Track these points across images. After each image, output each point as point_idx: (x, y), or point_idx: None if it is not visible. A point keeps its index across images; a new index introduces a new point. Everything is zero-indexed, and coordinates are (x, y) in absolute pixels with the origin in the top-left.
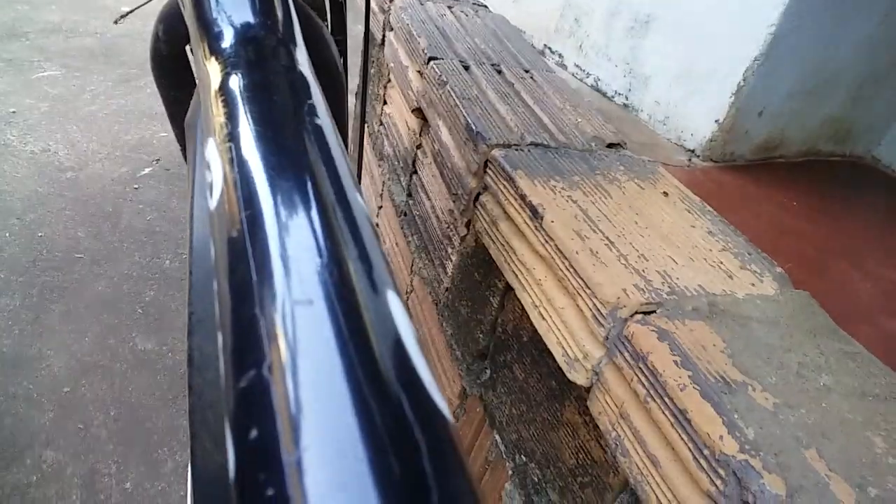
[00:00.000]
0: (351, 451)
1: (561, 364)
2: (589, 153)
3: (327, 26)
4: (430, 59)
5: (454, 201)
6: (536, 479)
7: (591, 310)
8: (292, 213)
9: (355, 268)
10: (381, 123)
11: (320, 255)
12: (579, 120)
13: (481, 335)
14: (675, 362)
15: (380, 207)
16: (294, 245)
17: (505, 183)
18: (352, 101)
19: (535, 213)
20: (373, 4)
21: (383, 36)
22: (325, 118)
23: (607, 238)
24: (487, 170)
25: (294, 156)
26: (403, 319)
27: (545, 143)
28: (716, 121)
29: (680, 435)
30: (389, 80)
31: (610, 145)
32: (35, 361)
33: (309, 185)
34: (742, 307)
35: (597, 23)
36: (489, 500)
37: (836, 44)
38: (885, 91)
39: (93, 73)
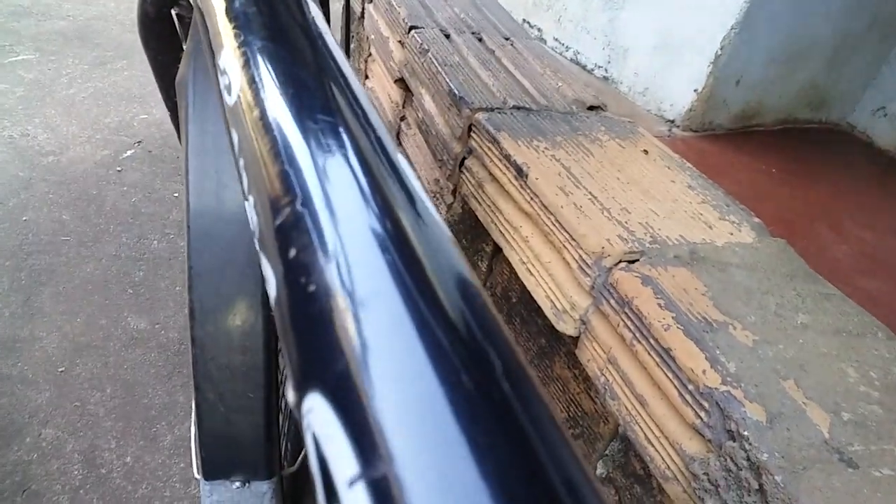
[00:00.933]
0: (421, 376)
1: (549, 316)
2: (570, 115)
3: None
4: (411, 28)
5: (440, 168)
6: None
7: (576, 261)
8: (311, 119)
9: (389, 182)
10: None
11: (350, 167)
12: (560, 84)
13: None
14: (659, 304)
15: None
16: (316, 151)
17: (489, 145)
18: None
19: (520, 172)
20: None
21: (363, 9)
22: (325, 29)
23: (591, 193)
24: (472, 133)
25: (305, 62)
26: (443, 229)
27: (527, 106)
28: (694, 90)
29: (665, 373)
30: (370, 55)
31: (591, 108)
32: (28, 343)
33: (325, 90)
34: (721, 254)
35: None
36: None
37: (812, 10)
38: (859, 58)
39: (68, 56)
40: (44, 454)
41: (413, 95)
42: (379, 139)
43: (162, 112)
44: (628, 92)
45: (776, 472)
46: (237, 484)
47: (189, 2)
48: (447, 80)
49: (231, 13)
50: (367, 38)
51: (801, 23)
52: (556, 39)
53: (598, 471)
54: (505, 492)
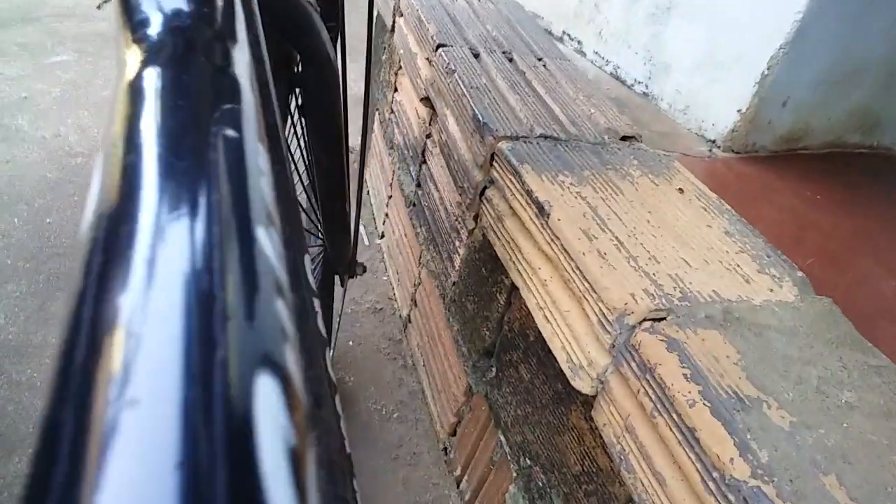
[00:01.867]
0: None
1: (565, 370)
2: (601, 146)
3: (318, 12)
4: (439, 46)
5: (461, 194)
6: (541, 484)
7: (597, 315)
8: (165, 240)
9: (231, 328)
10: (392, 111)
11: (186, 301)
12: (592, 111)
13: (487, 332)
14: (685, 375)
15: (389, 197)
16: (158, 280)
17: (511, 177)
18: (361, 88)
19: (542, 210)
20: None
21: (394, 22)
22: (248, 130)
23: (617, 238)
24: (494, 163)
25: (183, 176)
26: (275, 419)
27: (555, 135)
28: (738, 110)
29: (688, 454)
30: (400, 67)
31: (624, 138)
32: (40, 349)
33: (195, 212)
34: (759, 315)
35: (617, 9)
36: (493, 501)
37: (864, 32)
38: None
39: (105, 58)
40: None
41: (438, 115)
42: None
43: None
44: (669, 109)
45: None
46: None
47: None
48: (472, 103)
49: (133, 92)
50: (398, 50)
51: (852, 44)
52: (597, 53)
53: None
54: None
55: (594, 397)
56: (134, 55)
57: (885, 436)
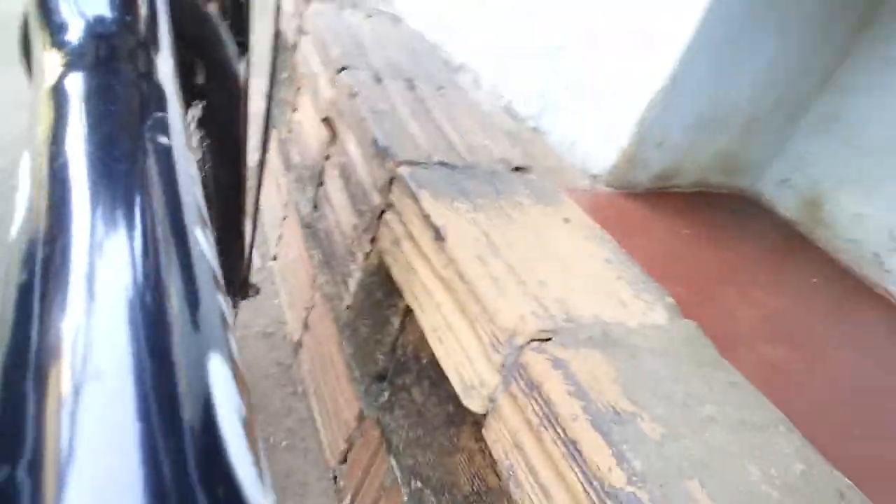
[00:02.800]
0: None
1: (458, 390)
2: (495, 175)
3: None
4: (343, 68)
5: (359, 216)
6: None
7: (488, 336)
8: (104, 251)
9: (176, 331)
10: (290, 130)
11: (131, 314)
12: (487, 142)
13: (381, 356)
14: (568, 392)
15: (284, 218)
16: (99, 296)
17: (409, 201)
18: (262, 105)
19: (438, 235)
20: (286, 4)
21: (297, 40)
22: (176, 137)
23: (508, 263)
24: (393, 186)
25: (119, 182)
26: (229, 396)
27: (452, 162)
28: (620, 148)
29: (571, 466)
30: (301, 87)
31: (516, 168)
32: None
33: (132, 218)
34: (634, 336)
35: (513, 43)
36: None
37: (731, 81)
38: (768, 129)
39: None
40: None
41: (339, 137)
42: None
43: None
44: (557, 144)
45: None
46: None
47: None
48: (373, 127)
49: (55, 98)
50: (299, 70)
51: (722, 91)
52: (493, 85)
53: None
54: None
55: (485, 416)
56: (54, 59)
57: (738, 444)
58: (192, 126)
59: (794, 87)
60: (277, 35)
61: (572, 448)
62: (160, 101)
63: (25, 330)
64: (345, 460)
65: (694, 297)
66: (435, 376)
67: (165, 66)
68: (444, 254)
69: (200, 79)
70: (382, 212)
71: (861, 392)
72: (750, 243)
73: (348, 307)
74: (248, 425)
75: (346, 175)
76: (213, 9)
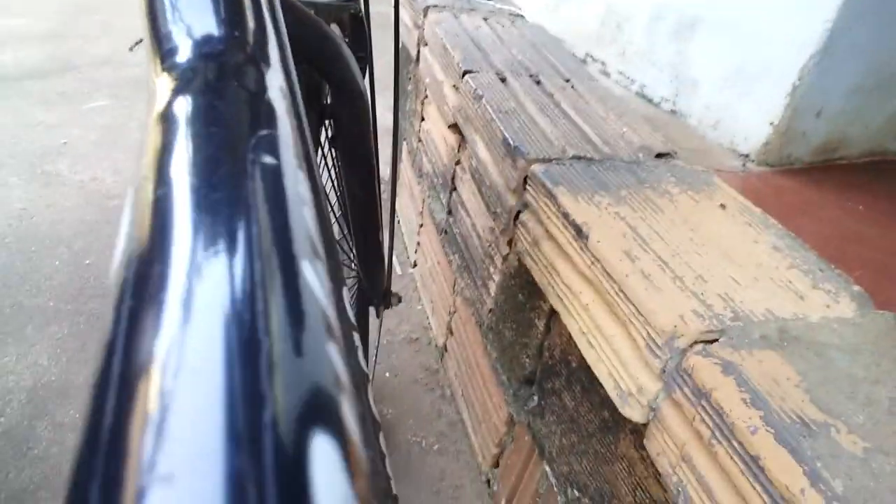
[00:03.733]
0: None
1: (613, 397)
2: (636, 165)
3: (346, 42)
4: (465, 72)
5: (494, 219)
6: None
7: (644, 339)
8: (202, 275)
9: (273, 405)
10: (420, 140)
11: (222, 389)
12: (625, 129)
13: (527, 359)
14: (744, 400)
15: (421, 225)
16: (195, 319)
17: (546, 200)
18: (389, 118)
19: (580, 233)
20: (405, 18)
21: (418, 52)
22: (286, 155)
23: (660, 258)
24: (527, 186)
25: (222, 211)
26: (333, 486)
27: (588, 155)
28: (770, 123)
29: (752, 485)
30: (426, 96)
31: (659, 155)
32: (82, 390)
33: (233, 244)
34: (817, 333)
35: (639, 28)
36: None
37: None
38: None
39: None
40: None
41: (467, 142)
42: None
43: None
44: (698, 125)
45: None
46: None
47: None
48: (501, 127)
49: (163, 122)
50: (423, 80)
51: (888, 49)
52: (621, 73)
53: None
54: None
55: (645, 425)
56: (164, 84)
57: None
58: (325, 145)
59: None
60: (399, 48)
61: (753, 466)
62: (269, 118)
63: (115, 353)
64: (497, 464)
65: (876, 280)
66: (586, 381)
67: (276, 83)
68: (587, 252)
69: (328, 98)
70: (518, 213)
71: None
72: None
73: (490, 311)
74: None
75: (478, 179)
76: (334, 29)
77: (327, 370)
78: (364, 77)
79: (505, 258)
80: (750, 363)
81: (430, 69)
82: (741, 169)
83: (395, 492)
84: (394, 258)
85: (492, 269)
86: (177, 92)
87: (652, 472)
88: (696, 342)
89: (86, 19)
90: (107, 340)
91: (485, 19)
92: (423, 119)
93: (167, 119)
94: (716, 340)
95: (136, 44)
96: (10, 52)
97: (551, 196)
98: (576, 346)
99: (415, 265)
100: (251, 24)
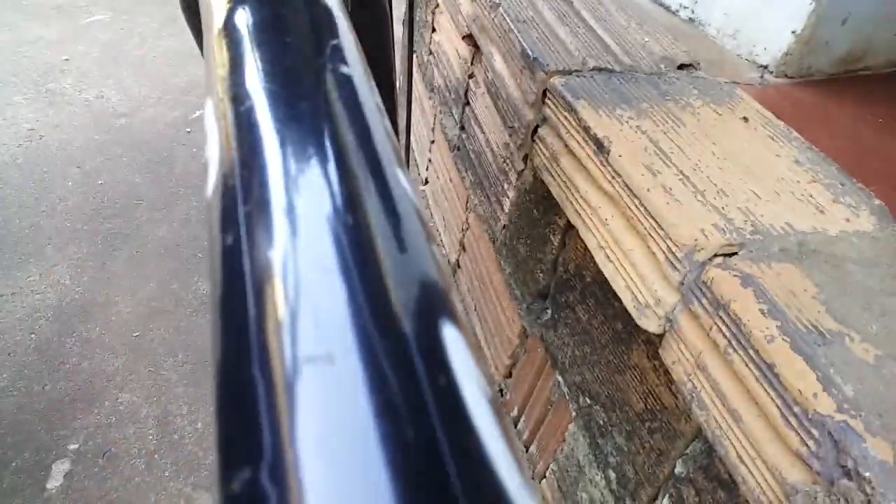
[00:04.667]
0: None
1: (630, 309)
2: (658, 76)
3: None
4: None
5: (510, 135)
6: (602, 423)
7: (664, 252)
8: (309, 209)
9: (399, 296)
10: (431, 52)
11: (347, 283)
12: (646, 39)
13: (541, 274)
14: (762, 311)
15: (432, 142)
16: (310, 262)
17: (566, 114)
18: (399, 30)
19: (601, 147)
20: None
21: None
22: (355, 64)
23: (681, 172)
24: (546, 100)
25: (311, 121)
26: (469, 370)
27: (609, 67)
28: (792, 32)
29: (766, 390)
30: (438, 6)
31: (681, 66)
32: (104, 307)
33: (330, 164)
34: (836, 246)
35: None
36: (551, 440)
37: None
38: None
39: (139, 14)
40: (121, 418)
41: (482, 53)
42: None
43: None
44: (717, 35)
45: None
46: None
47: None
48: (520, 38)
49: (228, 37)
50: None
51: None
52: None
53: (678, 469)
54: None
55: (660, 336)
56: (220, 63)
57: None
58: None
59: None
60: None
61: (768, 372)
62: (332, 27)
63: (240, 300)
64: (510, 375)
65: (892, 193)
66: (600, 294)
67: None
68: (608, 166)
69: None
70: (536, 127)
71: None
72: None
73: (504, 227)
74: (496, 406)
75: (494, 92)
76: None
77: (432, 265)
78: None
79: (520, 174)
80: (769, 276)
81: None
82: (759, 81)
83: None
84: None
85: (506, 186)
86: (235, 5)
87: (664, 380)
88: (715, 255)
89: None
90: (221, 248)
91: None
92: (434, 30)
93: (232, 32)
94: (735, 254)
95: None
96: None
97: (572, 110)
98: (592, 260)
99: (426, 182)
100: None
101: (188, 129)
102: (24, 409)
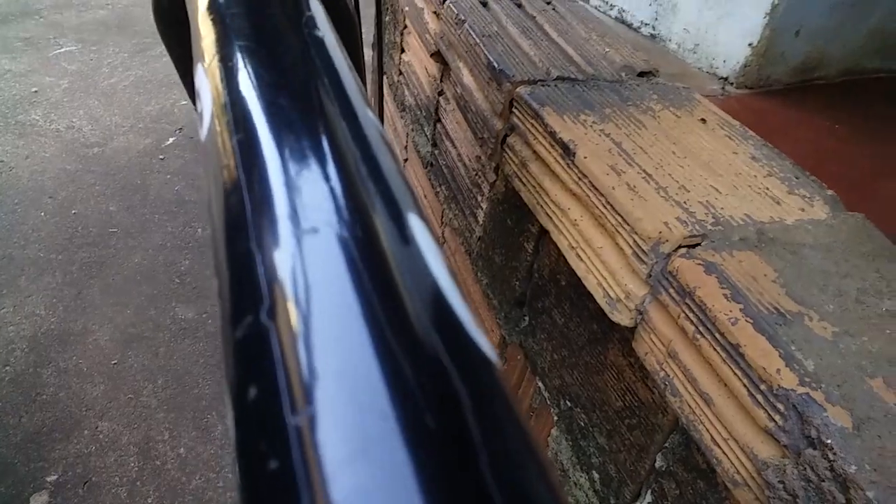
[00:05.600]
0: (373, 406)
1: (602, 305)
2: (619, 84)
3: None
4: None
5: (481, 146)
6: (583, 424)
7: (631, 247)
8: (290, 132)
9: (369, 190)
10: (401, 73)
11: (325, 178)
12: (607, 49)
13: (517, 282)
14: (725, 295)
15: (405, 160)
16: (294, 167)
17: (532, 121)
18: (369, 53)
19: (567, 150)
20: None
21: None
22: (326, 31)
23: (644, 171)
24: (513, 109)
25: (290, 70)
26: (430, 246)
27: (572, 76)
28: (749, 44)
29: (733, 370)
30: (406, 27)
31: (641, 74)
32: (81, 336)
33: (309, 101)
34: (792, 234)
35: None
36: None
37: None
38: None
39: (108, 45)
40: (101, 447)
41: (450, 69)
42: (389, 195)
43: None
44: (678, 49)
45: (867, 488)
46: None
47: None
48: (485, 51)
49: (213, 11)
50: (402, 10)
51: None
52: None
53: (658, 464)
54: None
55: (633, 330)
56: (207, 32)
57: None
58: None
59: None
60: None
61: (734, 353)
62: (308, 1)
63: (239, 200)
64: None
65: (853, 196)
66: (575, 296)
67: (319, 15)
68: (575, 169)
69: None
70: (505, 136)
71: None
72: None
73: (479, 238)
74: (452, 272)
75: (464, 106)
76: None
77: (399, 182)
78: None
79: (492, 185)
80: (730, 263)
81: None
82: (720, 92)
83: None
84: None
85: (479, 198)
86: (221, 40)
87: (640, 376)
88: (679, 247)
89: None
90: (228, 253)
91: None
92: (402, 51)
93: (218, 5)
94: (698, 244)
95: None
96: None
97: (538, 117)
98: (565, 263)
99: None
100: None
101: (161, 156)
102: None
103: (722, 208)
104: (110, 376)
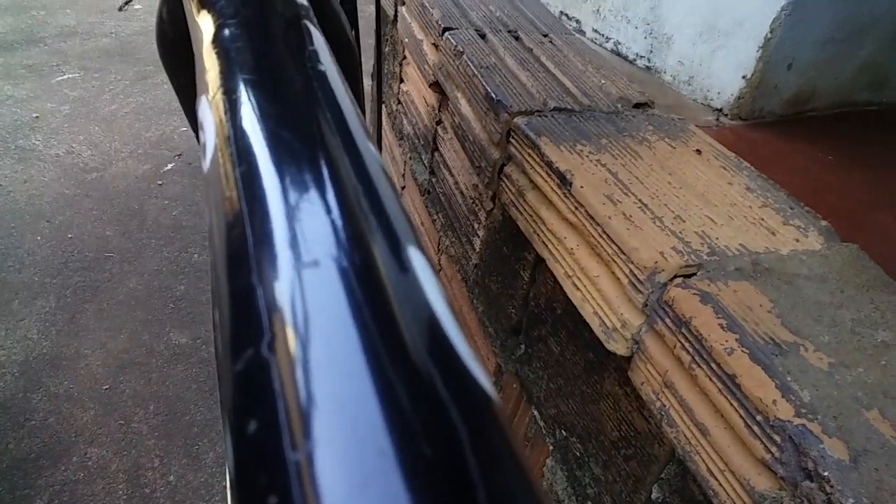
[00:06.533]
0: (372, 441)
1: (598, 334)
2: (615, 115)
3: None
4: (445, 29)
5: (478, 175)
6: (578, 454)
7: (627, 276)
8: (293, 165)
9: (369, 223)
10: (399, 102)
11: (327, 211)
12: (603, 81)
13: (513, 310)
14: (721, 325)
15: (403, 188)
16: (296, 201)
17: (529, 151)
18: (368, 83)
19: (564, 180)
20: None
21: (395, 11)
22: (329, 65)
23: (640, 201)
24: (511, 139)
25: (293, 104)
26: (430, 279)
27: (569, 107)
28: (743, 77)
29: (730, 401)
30: (405, 57)
31: (637, 105)
32: (73, 361)
33: (311, 134)
34: (787, 264)
35: None
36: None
37: None
38: None
39: (110, 72)
40: (90, 474)
41: (448, 99)
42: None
43: None
44: (672, 81)
45: None
46: None
47: None
48: (483, 82)
49: (217, 45)
50: (401, 41)
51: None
52: (596, 31)
53: (654, 495)
54: None
55: (629, 359)
56: (207, 19)
57: None
58: None
59: None
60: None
61: (730, 383)
62: (308, 35)
63: (241, 233)
64: None
65: (846, 227)
66: (571, 325)
67: (303, 8)
68: (571, 198)
69: None
70: (502, 166)
71: None
72: None
73: (476, 266)
74: (451, 306)
75: (462, 135)
76: None
77: (399, 216)
78: (352, 30)
79: (489, 213)
80: (726, 293)
81: (409, 28)
82: (715, 123)
83: None
84: None
85: (476, 226)
86: (222, 23)
87: (635, 405)
88: (675, 276)
89: None
90: (229, 285)
91: None
92: (401, 81)
93: (222, 39)
94: (694, 274)
95: (126, 3)
96: None
97: (535, 146)
98: (561, 291)
99: None
100: None
101: (160, 182)
102: None
103: (717, 238)
104: (101, 402)
